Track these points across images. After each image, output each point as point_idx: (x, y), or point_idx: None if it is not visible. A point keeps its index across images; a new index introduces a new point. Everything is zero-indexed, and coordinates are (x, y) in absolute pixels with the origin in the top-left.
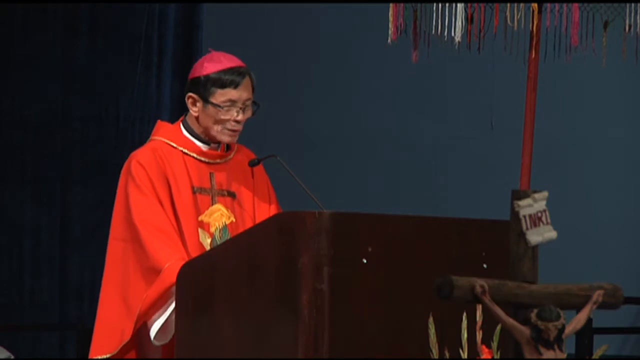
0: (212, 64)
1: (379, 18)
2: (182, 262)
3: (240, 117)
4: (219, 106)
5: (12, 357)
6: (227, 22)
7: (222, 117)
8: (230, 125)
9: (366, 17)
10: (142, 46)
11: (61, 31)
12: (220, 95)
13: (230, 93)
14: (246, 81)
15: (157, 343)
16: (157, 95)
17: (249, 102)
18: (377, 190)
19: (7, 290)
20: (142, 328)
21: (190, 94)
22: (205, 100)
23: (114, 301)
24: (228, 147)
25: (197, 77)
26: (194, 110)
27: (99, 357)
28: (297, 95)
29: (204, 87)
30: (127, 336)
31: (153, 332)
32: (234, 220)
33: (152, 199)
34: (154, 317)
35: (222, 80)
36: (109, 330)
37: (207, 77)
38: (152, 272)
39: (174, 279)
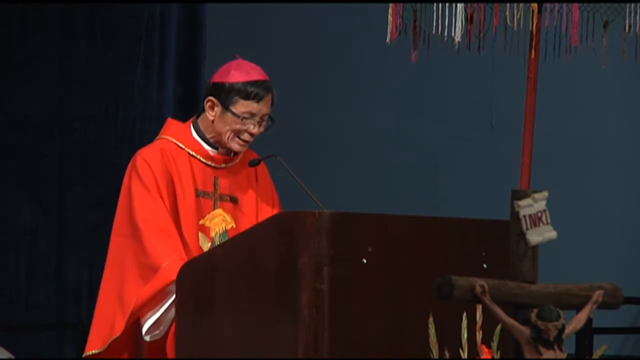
0: (239, 72)
1: (378, 18)
2: (180, 262)
3: (255, 130)
4: (238, 116)
5: (13, 357)
6: (229, 22)
7: (238, 127)
8: (244, 136)
9: (366, 17)
10: (142, 46)
11: (61, 31)
12: (242, 106)
13: (252, 106)
14: (269, 96)
15: (148, 339)
16: (158, 95)
17: (266, 117)
18: (377, 190)
19: (6, 291)
20: (138, 325)
21: (210, 97)
22: (225, 107)
23: (109, 297)
24: (235, 152)
25: (221, 83)
26: (210, 114)
27: (90, 352)
28: (297, 95)
29: (227, 94)
30: (117, 332)
31: (145, 327)
32: (233, 226)
33: (156, 197)
34: (147, 314)
35: (246, 92)
36: (102, 326)
37: (232, 85)
38: (149, 269)
39: (170, 278)
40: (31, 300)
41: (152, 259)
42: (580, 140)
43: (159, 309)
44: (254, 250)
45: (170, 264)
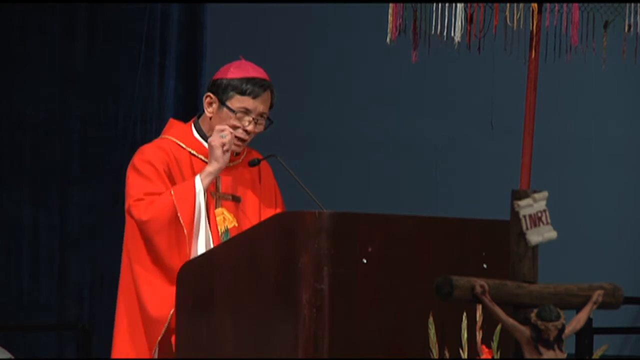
0: (238, 70)
1: (378, 18)
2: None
3: (250, 128)
4: (233, 111)
5: (13, 357)
6: (229, 22)
7: (233, 122)
8: (239, 133)
9: (366, 17)
10: (143, 46)
11: (61, 31)
12: (237, 102)
13: (247, 102)
14: (266, 95)
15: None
16: (159, 95)
17: (263, 116)
18: (377, 190)
19: (6, 291)
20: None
21: (208, 93)
22: (222, 103)
23: (146, 280)
24: (237, 152)
25: (219, 79)
26: (208, 111)
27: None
28: (297, 95)
29: (224, 90)
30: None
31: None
32: (236, 225)
33: (152, 179)
34: (192, 247)
35: (242, 88)
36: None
37: (229, 81)
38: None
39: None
40: (31, 300)
41: (155, 202)
42: (580, 140)
43: (199, 232)
44: (254, 250)
45: (176, 189)
